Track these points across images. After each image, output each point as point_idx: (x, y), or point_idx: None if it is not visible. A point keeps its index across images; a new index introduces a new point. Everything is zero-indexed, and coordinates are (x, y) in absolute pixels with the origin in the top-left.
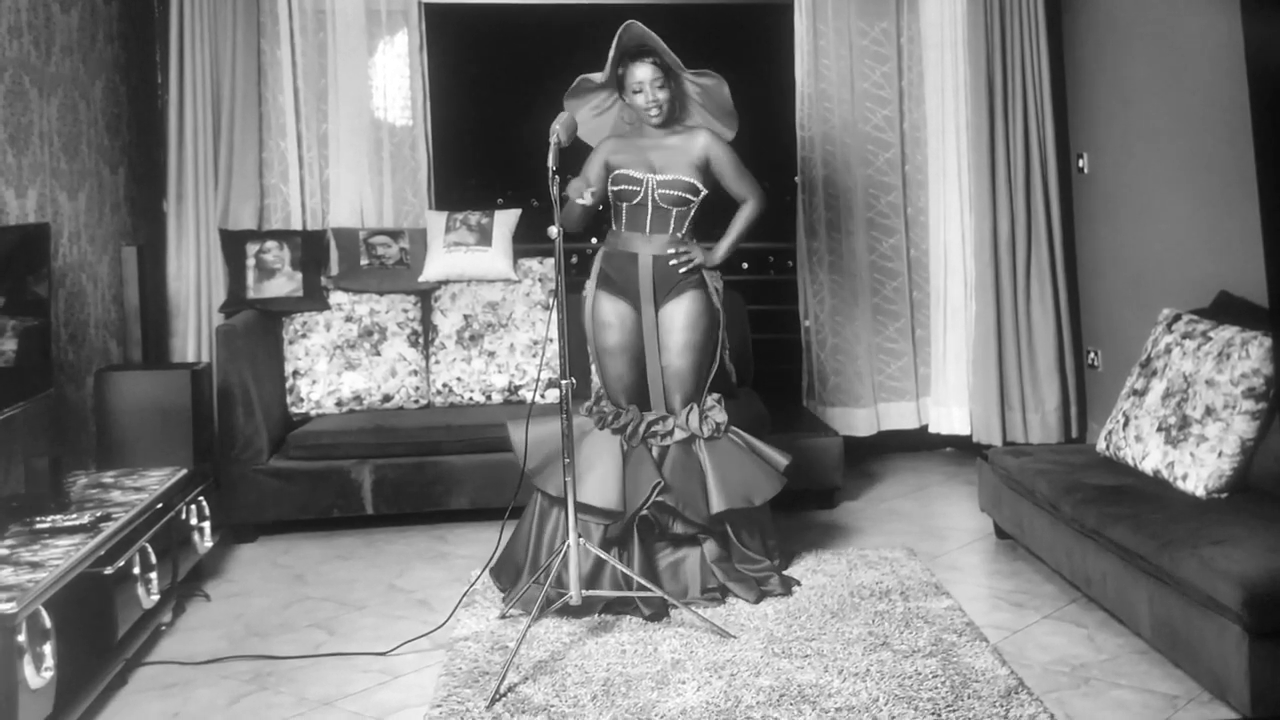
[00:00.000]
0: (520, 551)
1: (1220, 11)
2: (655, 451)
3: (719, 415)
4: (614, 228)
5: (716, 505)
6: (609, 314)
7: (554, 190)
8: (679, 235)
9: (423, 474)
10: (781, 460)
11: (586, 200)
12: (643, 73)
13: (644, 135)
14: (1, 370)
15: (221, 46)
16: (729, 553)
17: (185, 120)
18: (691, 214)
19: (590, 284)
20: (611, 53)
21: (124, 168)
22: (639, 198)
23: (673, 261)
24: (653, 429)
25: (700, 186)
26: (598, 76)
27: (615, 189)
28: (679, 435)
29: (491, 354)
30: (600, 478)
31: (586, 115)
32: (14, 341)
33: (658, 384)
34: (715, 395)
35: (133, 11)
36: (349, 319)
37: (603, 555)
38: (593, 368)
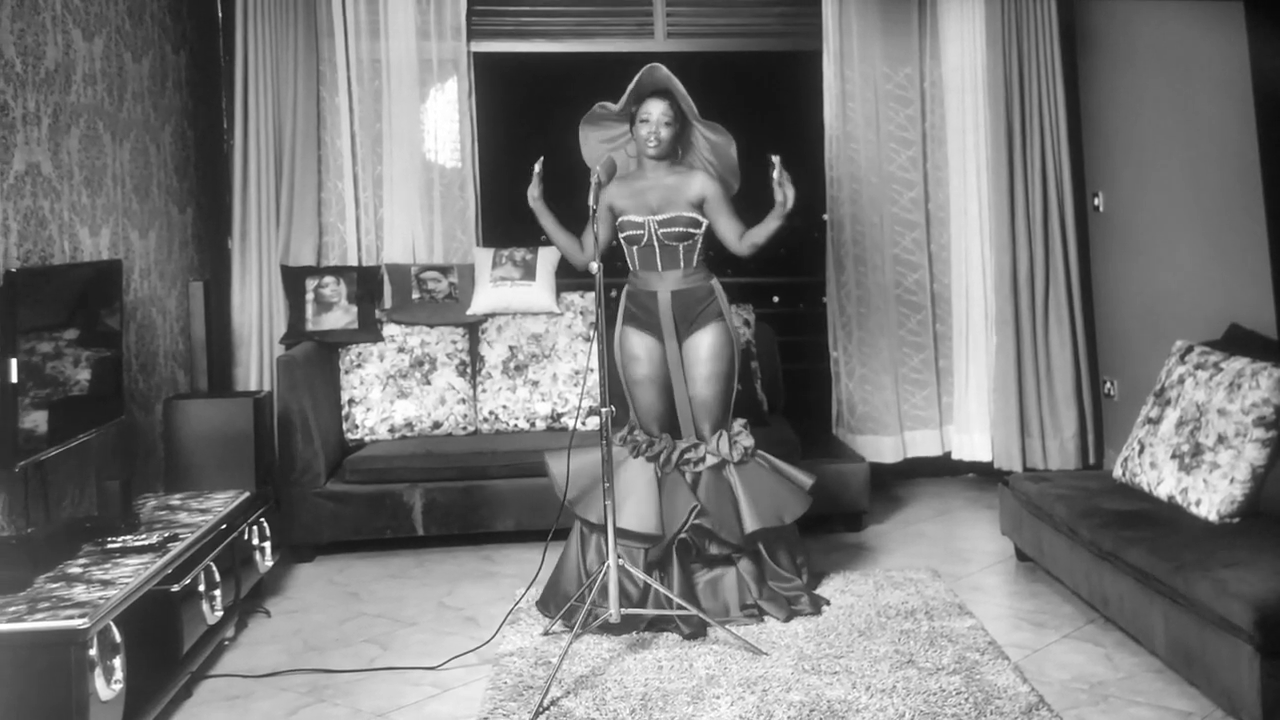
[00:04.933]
0: (569, 582)
1: (1230, 56)
2: (689, 477)
3: (747, 440)
4: (631, 268)
5: (750, 525)
6: (637, 348)
7: (595, 226)
8: (691, 269)
9: (470, 497)
10: (807, 480)
11: (592, 270)
12: (655, 107)
13: (643, 177)
14: (76, 398)
15: (283, 94)
16: (762, 571)
17: (249, 163)
18: (699, 246)
19: (618, 320)
20: (631, 86)
21: (191, 208)
22: (644, 240)
23: (701, 307)
24: (686, 456)
25: (700, 219)
26: (614, 106)
27: (623, 235)
28: (711, 461)
29: (535, 383)
30: (637, 504)
31: (598, 142)
32: (88, 371)
33: (686, 413)
34: (742, 420)
35: (200, 60)
36: (401, 350)
37: (647, 579)
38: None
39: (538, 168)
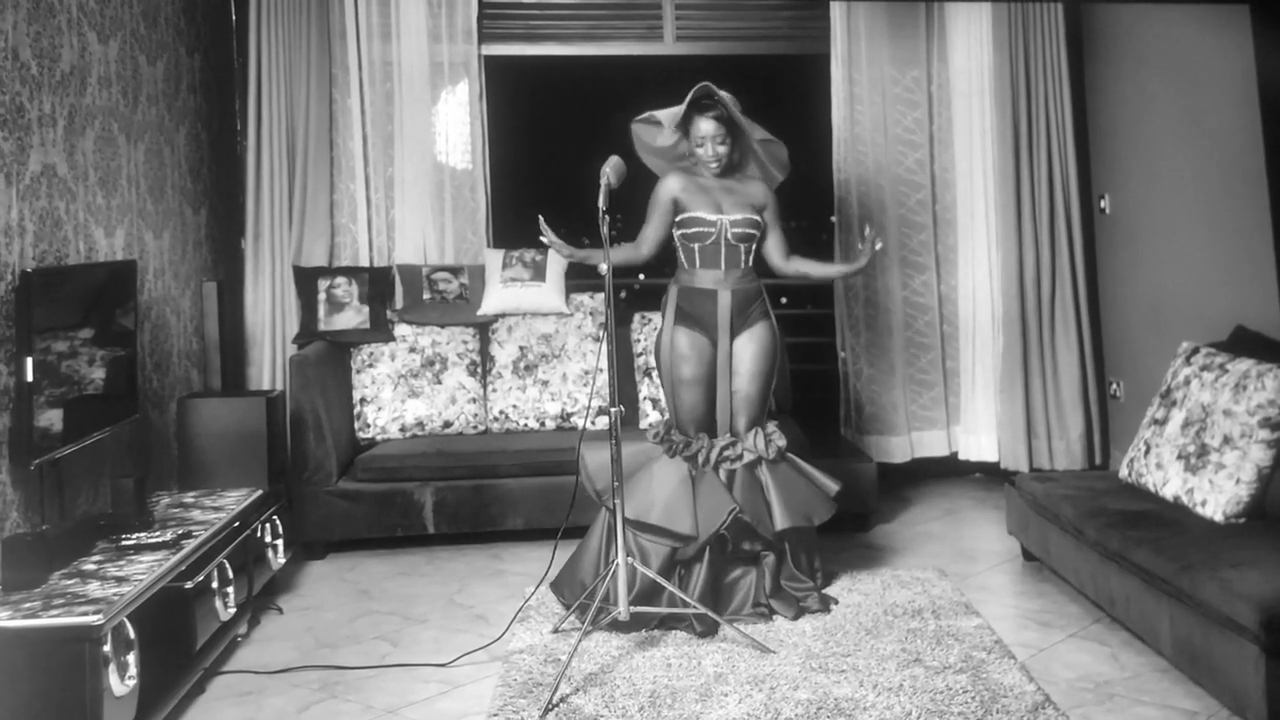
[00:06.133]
0: (587, 569)
1: (1236, 59)
2: (723, 475)
3: (780, 440)
4: (687, 266)
5: (780, 523)
6: (687, 347)
7: (604, 229)
8: (748, 268)
9: (480, 496)
10: (833, 486)
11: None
12: (707, 127)
13: (705, 176)
14: (92, 397)
15: (296, 96)
16: (780, 571)
17: (262, 164)
18: (754, 249)
19: (668, 320)
20: (685, 103)
21: (205, 208)
22: (712, 238)
23: (753, 307)
24: (725, 454)
25: (762, 222)
26: (663, 116)
27: (686, 231)
28: (748, 458)
29: (545, 383)
30: (672, 503)
31: (654, 141)
32: (103, 370)
33: (725, 409)
34: (775, 421)
35: (214, 63)
36: (412, 350)
37: (657, 579)
38: (639, 393)
39: (547, 235)
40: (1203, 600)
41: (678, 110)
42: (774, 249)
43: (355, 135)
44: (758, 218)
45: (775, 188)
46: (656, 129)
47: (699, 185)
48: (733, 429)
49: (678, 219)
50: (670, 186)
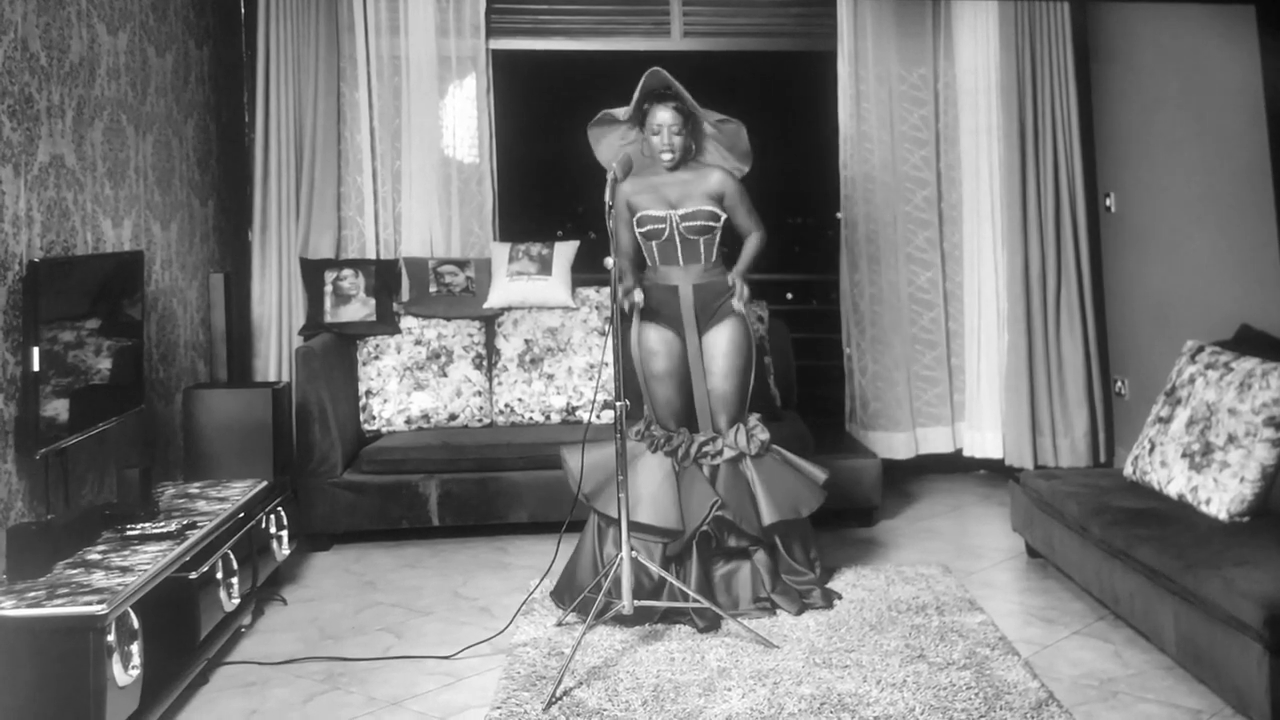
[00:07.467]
0: (584, 574)
1: (1241, 59)
2: (706, 470)
3: (763, 434)
4: (650, 264)
5: (768, 517)
6: (655, 342)
7: (610, 223)
8: (711, 262)
9: (485, 489)
10: (820, 475)
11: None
12: (664, 115)
13: (658, 173)
14: (98, 387)
15: (304, 89)
16: (777, 565)
17: (270, 157)
18: (717, 240)
19: (635, 317)
20: (636, 94)
21: (213, 200)
22: (665, 234)
23: (719, 301)
24: (704, 450)
25: (720, 213)
26: (621, 113)
27: (641, 230)
28: (729, 454)
29: (551, 376)
30: (657, 499)
31: (614, 143)
32: (110, 360)
33: (704, 406)
34: (756, 414)
35: (222, 56)
36: (418, 342)
37: (664, 574)
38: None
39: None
40: (1206, 598)
41: (635, 100)
42: (740, 228)
43: (363, 128)
44: (714, 208)
45: (741, 177)
46: (605, 130)
47: (648, 184)
48: (714, 426)
49: (635, 219)
50: (622, 192)
